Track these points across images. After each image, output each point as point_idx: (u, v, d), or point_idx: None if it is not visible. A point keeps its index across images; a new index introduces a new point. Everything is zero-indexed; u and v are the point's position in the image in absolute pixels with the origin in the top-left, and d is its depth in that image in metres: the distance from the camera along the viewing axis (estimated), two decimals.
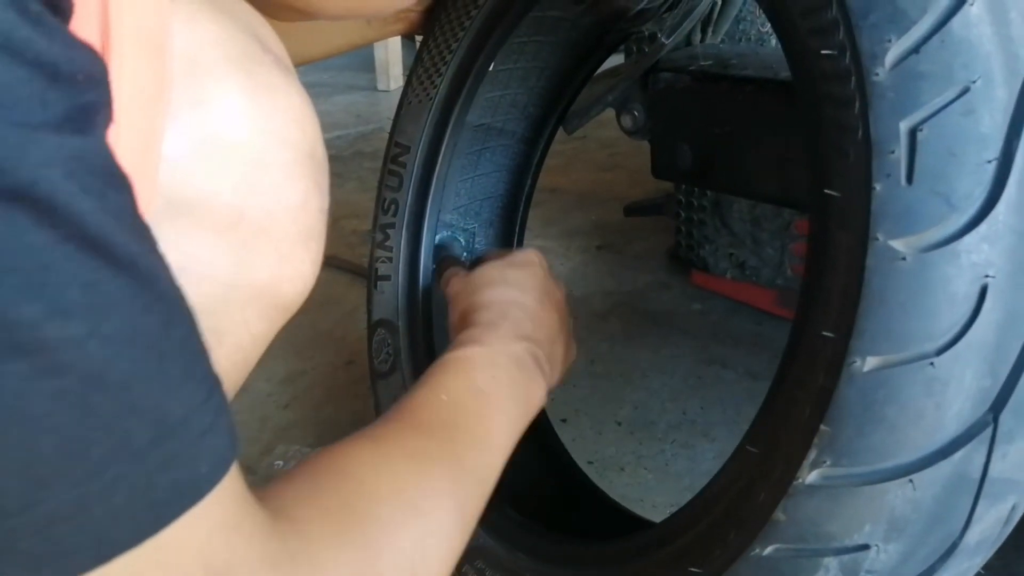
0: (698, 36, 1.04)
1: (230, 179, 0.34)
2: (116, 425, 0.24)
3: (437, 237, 0.87)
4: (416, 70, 0.86)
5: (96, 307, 0.24)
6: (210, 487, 0.27)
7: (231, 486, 0.29)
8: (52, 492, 0.23)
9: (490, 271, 0.66)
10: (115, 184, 0.25)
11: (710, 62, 0.93)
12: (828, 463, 0.43)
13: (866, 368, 0.42)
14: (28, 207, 0.22)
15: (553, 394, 0.67)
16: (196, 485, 0.27)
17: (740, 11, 1.08)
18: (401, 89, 0.89)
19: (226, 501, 0.29)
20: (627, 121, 1.01)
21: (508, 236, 0.94)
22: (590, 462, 1.01)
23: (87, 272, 0.23)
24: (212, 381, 0.27)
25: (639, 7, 0.51)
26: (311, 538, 0.34)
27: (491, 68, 0.84)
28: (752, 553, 0.47)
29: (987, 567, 0.52)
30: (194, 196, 0.33)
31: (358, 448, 0.43)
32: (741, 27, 1.13)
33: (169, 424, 0.25)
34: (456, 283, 0.69)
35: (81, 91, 0.24)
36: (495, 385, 0.53)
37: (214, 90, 0.35)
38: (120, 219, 0.25)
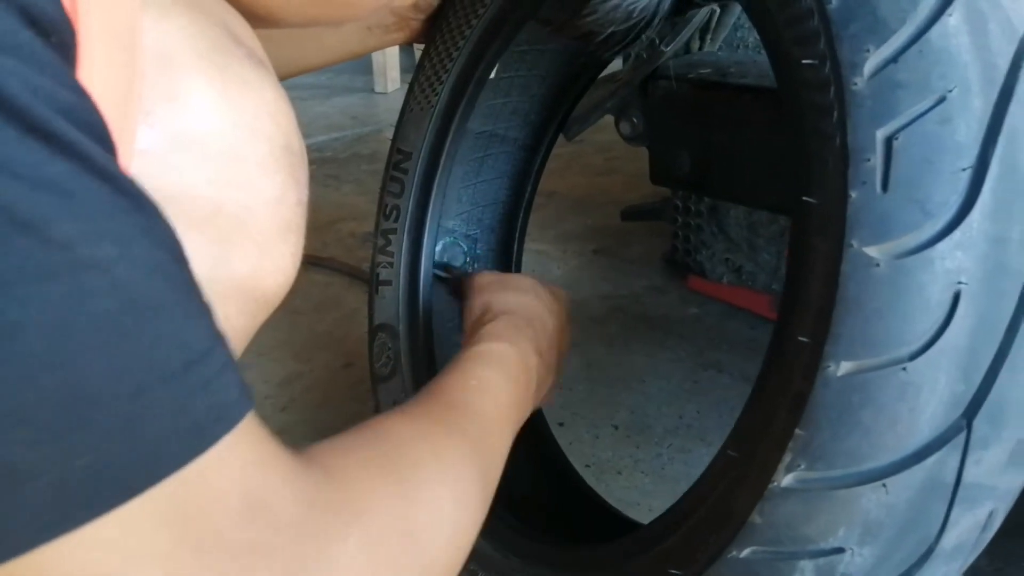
0: (696, 44, 1.04)
1: (205, 173, 0.34)
2: (151, 349, 0.25)
3: (439, 243, 0.88)
4: (418, 78, 0.87)
5: (120, 233, 0.24)
6: (241, 414, 0.28)
7: (257, 424, 0.30)
8: (101, 411, 0.23)
9: (525, 281, 0.70)
10: (105, 140, 0.26)
11: (709, 70, 0.93)
12: (803, 466, 0.44)
13: (840, 372, 0.43)
14: (42, 140, 0.23)
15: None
16: (229, 411, 0.28)
17: (738, 19, 1.08)
18: (398, 91, 0.91)
19: (256, 435, 0.30)
20: (626, 127, 1.02)
21: (508, 242, 0.95)
22: (587, 466, 1.01)
23: (106, 201, 0.24)
24: (218, 328, 0.28)
25: (606, 32, 0.51)
26: (348, 484, 0.35)
27: (492, 76, 0.85)
28: (729, 555, 0.47)
29: (974, 569, 0.52)
30: (169, 190, 0.33)
31: (394, 417, 0.44)
32: (739, 35, 1.14)
33: (196, 352, 0.26)
34: (489, 276, 0.72)
35: (69, 52, 0.25)
36: (513, 385, 0.57)
37: (186, 84, 0.35)
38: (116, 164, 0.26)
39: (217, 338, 0.27)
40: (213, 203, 0.35)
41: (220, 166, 0.36)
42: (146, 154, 0.33)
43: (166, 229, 0.27)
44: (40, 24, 0.24)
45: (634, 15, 0.48)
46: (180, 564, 0.26)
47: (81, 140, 0.24)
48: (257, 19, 0.42)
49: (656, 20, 0.48)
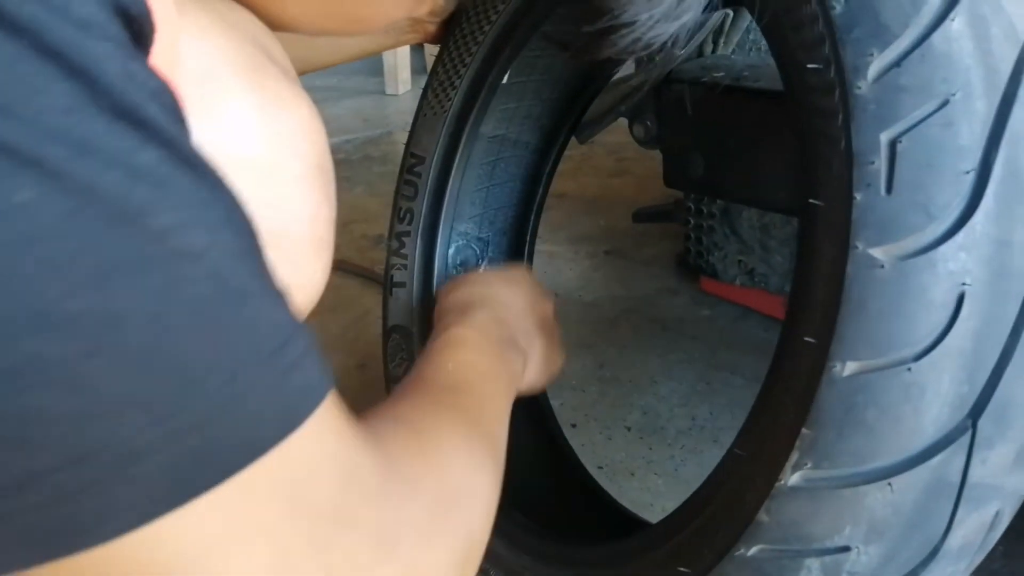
0: (710, 47, 1.05)
1: (243, 189, 0.36)
2: (245, 333, 0.26)
3: (451, 246, 0.89)
4: (431, 82, 0.88)
5: (210, 221, 0.25)
6: (325, 392, 0.29)
7: (337, 401, 0.31)
8: (205, 393, 0.24)
9: (471, 275, 0.73)
10: (186, 126, 0.27)
11: (722, 73, 0.94)
12: (809, 465, 0.44)
13: (846, 373, 0.43)
14: (132, 126, 0.23)
15: (547, 390, 0.70)
16: (316, 390, 0.29)
17: (750, 22, 1.08)
18: (409, 93, 0.92)
19: (338, 411, 0.31)
20: (639, 131, 1.03)
21: (520, 244, 0.96)
22: (600, 467, 1.02)
23: (194, 188, 0.25)
24: (296, 312, 0.29)
25: (625, 59, 0.52)
26: (400, 458, 0.37)
27: (505, 80, 0.86)
28: (737, 553, 0.48)
29: (990, 571, 0.52)
30: None
31: (397, 406, 0.46)
32: (752, 38, 1.14)
33: (283, 335, 0.27)
34: (447, 286, 0.75)
35: (147, 43, 0.27)
36: (485, 357, 0.59)
37: (226, 103, 0.36)
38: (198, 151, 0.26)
39: (298, 322, 0.29)
40: None
41: (257, 183, 0.36)
42: None
43: (245, 216, 0.28)
44: (127, 15, 0.25)
45: (654, 45, 0.48)
46: (283, 536, 0.28)
47: (169, 126, 0.25)
48: (272, 27, 0.43)
49: (678, 44, 0.48)
